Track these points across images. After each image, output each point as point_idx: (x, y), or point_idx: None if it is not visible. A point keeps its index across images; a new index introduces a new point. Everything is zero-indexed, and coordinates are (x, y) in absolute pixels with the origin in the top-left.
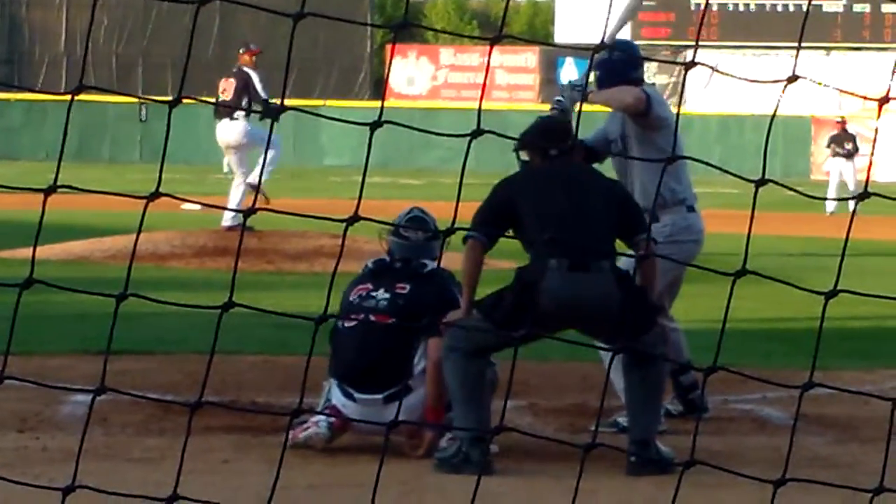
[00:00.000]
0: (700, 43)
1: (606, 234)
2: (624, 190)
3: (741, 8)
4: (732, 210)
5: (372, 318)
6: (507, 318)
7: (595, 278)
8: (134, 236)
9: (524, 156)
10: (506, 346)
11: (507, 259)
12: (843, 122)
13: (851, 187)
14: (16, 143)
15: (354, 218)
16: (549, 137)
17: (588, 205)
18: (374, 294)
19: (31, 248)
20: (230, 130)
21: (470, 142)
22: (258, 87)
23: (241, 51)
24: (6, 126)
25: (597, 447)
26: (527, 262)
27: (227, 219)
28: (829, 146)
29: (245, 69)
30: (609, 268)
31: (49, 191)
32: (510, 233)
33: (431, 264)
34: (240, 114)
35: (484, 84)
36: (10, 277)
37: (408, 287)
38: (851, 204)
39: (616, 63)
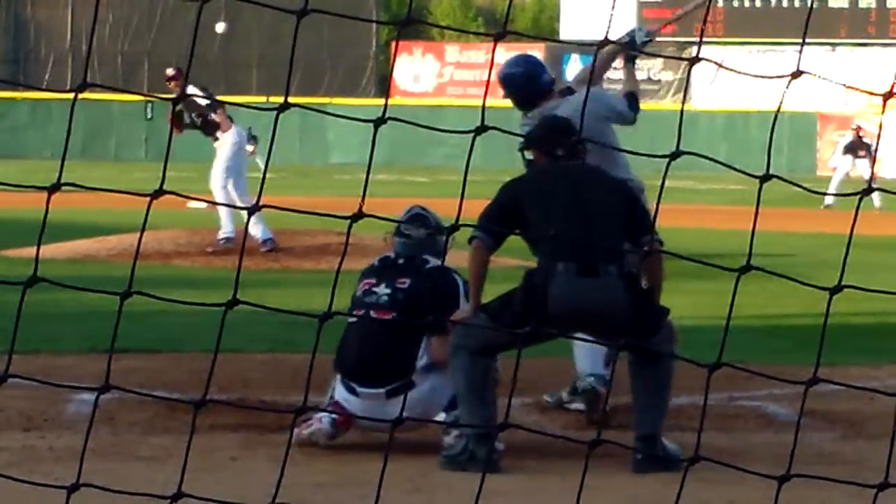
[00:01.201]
0: (705, 39)
1: (615, 236)
2: (631, 190)
3: (746, 4)
4: (738, 206)
5: (373, 313)
6: (514, 322)
7: (603, 283)
8: (139, 234)
9: (529, 155)
10: (512, 345)
11: (513, 257)
12: (858, 129)
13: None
14: (21, 141)
15: (359, 215)
16: (555, 136)
17: (596, 205)
18: (375, 290)
19: (36, 247)
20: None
21: (475, 138)
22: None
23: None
24: (12, 124)
25: (602, 444)
26: (535, 265)
27: (263, 233)
28: (844, 153)
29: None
30: (617, 272)
31: (53, 189)
32: (517, 232)
33: (434, 260)
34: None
35: (489, 81)
36: (16, 276)
37: (408, 281)
38: (876, 199)
39: (522, 76)
